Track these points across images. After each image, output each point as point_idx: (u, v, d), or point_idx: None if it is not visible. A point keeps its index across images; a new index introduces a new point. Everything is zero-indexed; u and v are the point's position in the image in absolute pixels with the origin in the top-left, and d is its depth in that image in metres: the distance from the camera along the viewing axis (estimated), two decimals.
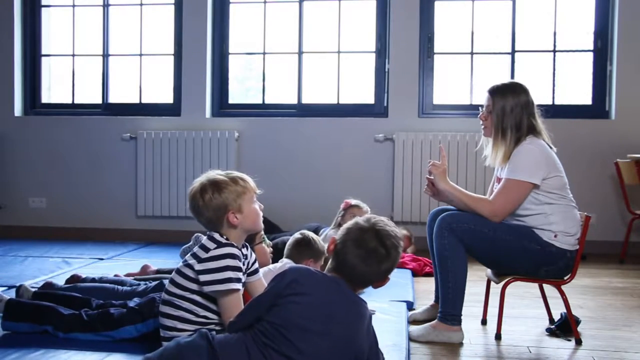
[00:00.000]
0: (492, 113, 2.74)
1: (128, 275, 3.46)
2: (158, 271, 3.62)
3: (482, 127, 2.82)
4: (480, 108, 2.83)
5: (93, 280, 3.10)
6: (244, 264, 2.22)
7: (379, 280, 1.98)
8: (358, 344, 1.88)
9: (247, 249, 2.30)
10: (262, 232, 2.81)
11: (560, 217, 2.63)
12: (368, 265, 1.92)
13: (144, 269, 3.61)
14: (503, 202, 2.63)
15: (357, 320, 1.90)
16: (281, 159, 5.18)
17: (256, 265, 2.35)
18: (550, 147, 2.72)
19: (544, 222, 2.62)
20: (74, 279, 3.12)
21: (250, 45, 5.43)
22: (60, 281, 3.22)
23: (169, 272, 3.59)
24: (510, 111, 2.69)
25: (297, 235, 3.19)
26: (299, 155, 5.17)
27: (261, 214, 2.29)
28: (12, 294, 3.05)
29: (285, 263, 2.98)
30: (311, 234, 3.18)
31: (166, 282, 2.29)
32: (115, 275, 3.35)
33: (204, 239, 2.22)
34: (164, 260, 4.18)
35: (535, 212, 2.64)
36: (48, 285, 2.97)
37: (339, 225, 3.84)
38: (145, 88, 5.50)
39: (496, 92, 2.75)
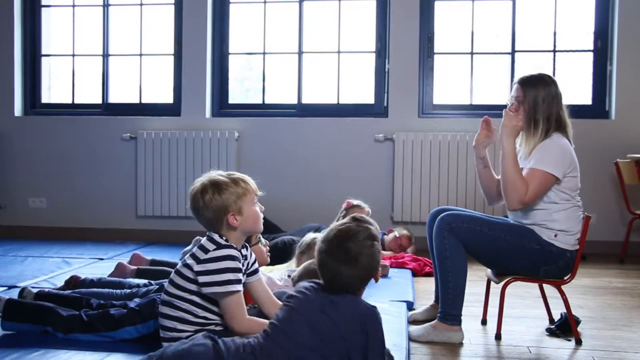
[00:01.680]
0: (523, 104, 2.69)
1: (121, 266, 3.46)
2: (152, 261, 3.61)
3: None
4: (509, 101, 2.75)
5: (92, 281, 3.09)
6: (243, 265, 2.22)
7: (359, 284, 1.96)
8: (351, 339, 1.88)
9: (246, 249, 2.30)
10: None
11: (563, 217, 2.62)
12: (340, 265, 1.92)
13: (135, 258, 3.60)
14: (531, 192, 2.58)
15: (350, 319, 1.89)
16: (281, 159, 5.17)
17: (256, 265, 2.34)
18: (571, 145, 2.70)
19: (547, 219, 2.62)
20: (72, 280, 3.12)
21: (250, 45, 5.43)
22: (59, 282, 3.22)
23: (165, 263, 3.60)
24: (542, 102, 2.66)
25: (312, 266, 2.95)
26: (299, 155, 5.17)
27: (262, 215, 2.28)
28: (12, 294, 3.05)
29: (285, 278, 2.94)
30: None
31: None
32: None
33: (203, 240, 2.21)
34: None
35: (540, 207, 2.63)
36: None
37: None
38: (145, 88, 5.50)
39: (527, 82, 2.71)
